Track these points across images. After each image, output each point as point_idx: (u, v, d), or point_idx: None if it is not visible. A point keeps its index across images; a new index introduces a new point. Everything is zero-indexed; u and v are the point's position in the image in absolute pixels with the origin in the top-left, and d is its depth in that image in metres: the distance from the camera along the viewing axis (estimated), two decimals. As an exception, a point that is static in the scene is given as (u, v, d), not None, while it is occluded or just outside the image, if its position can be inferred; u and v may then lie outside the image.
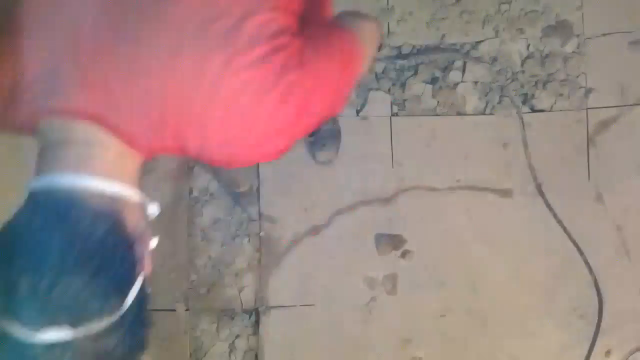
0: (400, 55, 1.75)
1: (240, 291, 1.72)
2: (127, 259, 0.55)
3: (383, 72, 1.74)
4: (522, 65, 1.73)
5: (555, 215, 1.68)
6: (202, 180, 1.76)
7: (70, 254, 0.51)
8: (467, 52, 1.74)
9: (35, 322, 0.49)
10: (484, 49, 1.74)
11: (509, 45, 1.73)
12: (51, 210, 0.53)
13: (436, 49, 1.73)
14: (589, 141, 1.71)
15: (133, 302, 0.55)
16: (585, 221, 1.70)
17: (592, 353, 1.66)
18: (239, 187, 1.65)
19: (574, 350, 1.68)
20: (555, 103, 1.72)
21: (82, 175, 0.56)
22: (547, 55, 1.73)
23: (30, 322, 0.49)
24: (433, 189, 1.71)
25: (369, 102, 1.73)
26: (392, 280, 1.70)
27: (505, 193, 1.70)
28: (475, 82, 1.73)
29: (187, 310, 1.72)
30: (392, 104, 1.74)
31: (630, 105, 1.71)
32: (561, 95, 1.71)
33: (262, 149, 0.66)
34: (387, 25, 1.75)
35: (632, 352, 1.67)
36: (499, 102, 1.73)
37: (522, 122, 1.71)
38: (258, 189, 1.73)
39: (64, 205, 0.54)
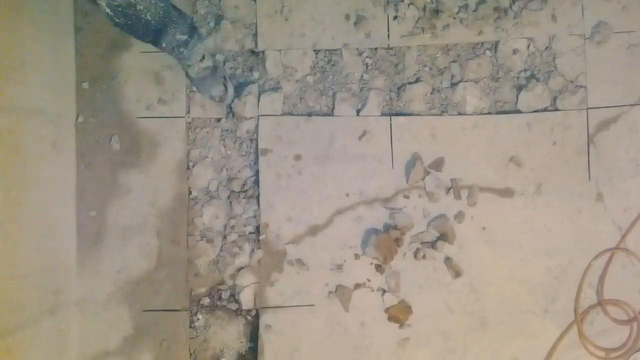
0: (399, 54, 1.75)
1: (240, 291, 1.72)
2: None
3: (383, 71, 1.74)
4: (522, 64, 1.73)
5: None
6: (202, 180, 1.76)
7: None
8: (468, 52, 1.74)
9: None
10: (485, 49, 1.74)
11: (509, 44, 1.73)
12: None
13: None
14: (589, 141, 1.71)
15: None
16: (585, 221, 1.70)
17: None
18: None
19: (574, 351, 1.68)
20: (555, 103, 1.72)
21: None
22: (547, 55, 1.73)
23: None
24: (433, 189, 1.71)
25: (369, 102, 1.74)
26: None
27: (506, 193, 1.71)
28: (476, 82, 1.73)
29: (187, 310, 1.72)
30: (392, 103, 1.74)
31: (630, 105, 1.71)
32: (561, 94, 1.72)
33: None
34: (387, 22, 1.75)
35: (632, 352, 1.67)
36: (499, 102, 1.73)
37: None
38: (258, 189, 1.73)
39: None
